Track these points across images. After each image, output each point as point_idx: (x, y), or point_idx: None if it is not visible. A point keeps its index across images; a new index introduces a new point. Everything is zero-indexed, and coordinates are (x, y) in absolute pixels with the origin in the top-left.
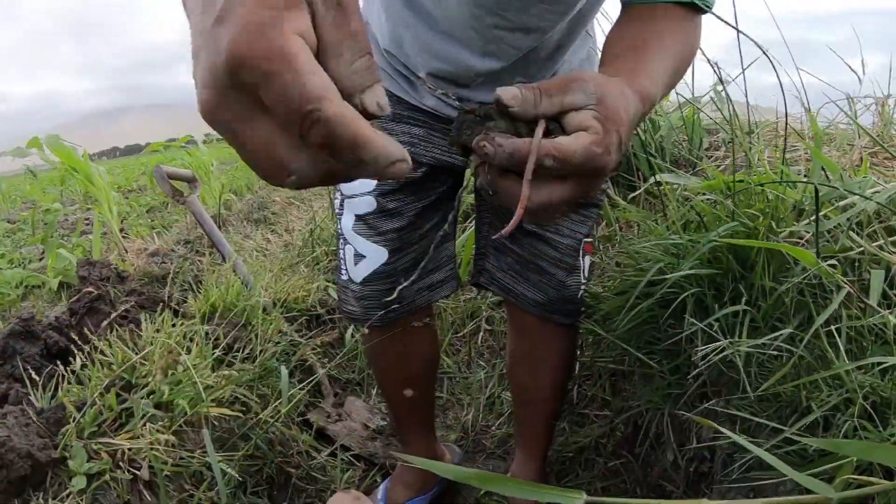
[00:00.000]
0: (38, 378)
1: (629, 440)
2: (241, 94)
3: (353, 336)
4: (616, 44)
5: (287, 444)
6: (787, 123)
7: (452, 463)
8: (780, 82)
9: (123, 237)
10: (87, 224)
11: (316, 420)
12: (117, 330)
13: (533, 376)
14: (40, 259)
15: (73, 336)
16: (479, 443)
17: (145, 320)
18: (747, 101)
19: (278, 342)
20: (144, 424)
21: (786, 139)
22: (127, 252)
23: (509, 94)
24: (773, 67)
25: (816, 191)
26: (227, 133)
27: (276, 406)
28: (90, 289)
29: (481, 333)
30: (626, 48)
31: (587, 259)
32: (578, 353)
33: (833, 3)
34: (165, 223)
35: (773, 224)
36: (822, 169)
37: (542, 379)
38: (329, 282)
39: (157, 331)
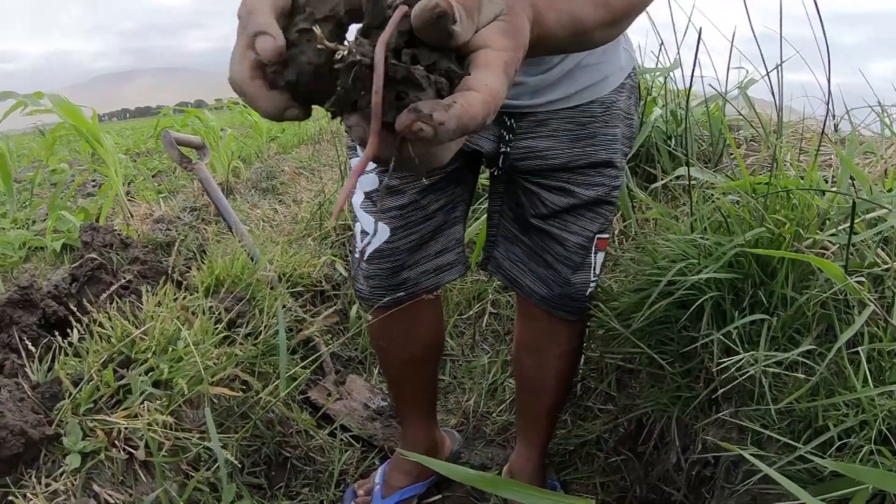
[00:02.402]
0: (34, 349)
1: (632, 437)
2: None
3: (357, 315)
4: None
5: (286, 423)
6: (823, 130)
7: (452, 449)
8: (819, 83)
9: (129, 200)
10: (94, 185)
11: (316, 399)
12: (117, 302)
13: (537, 366)
14: (44, 220)
15: (73, 307)
16: (479, 429)
17: (146, 292)
18: (774, 100)
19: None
20: (142, 403)
21: (819, 144)
22: (132, 216)
23: (456, 6)
24: (832, 68)
25: (854, 206)
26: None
27: (276, 386)
28: (93, 255)
29: (486, 316)
30: None
31: (600, 255)
32: (586, 346)
33: (857, 3)
34: (172, 188)
35: (801, 231)
36: (850, 178)
37: (547, 369)
38: (335, 256)
39: (159, 304)
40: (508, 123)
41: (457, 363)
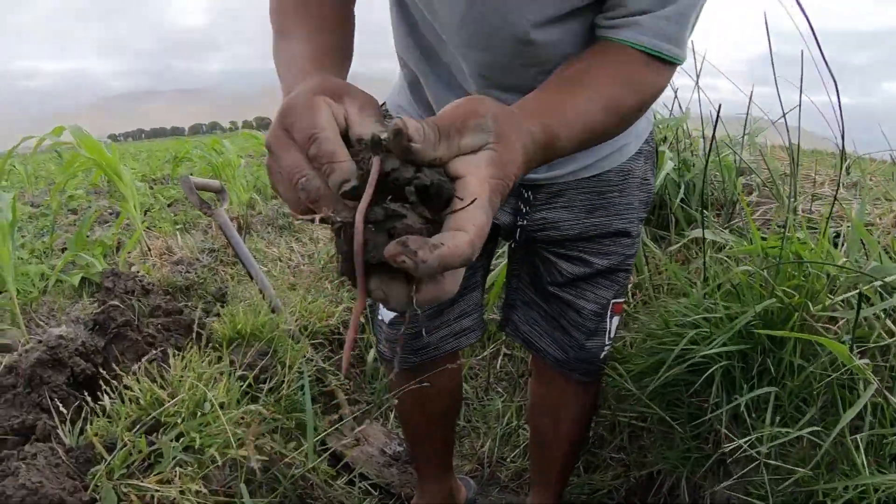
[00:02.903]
0: (65, 411)
1: (643, 488)
2: (284, 131)
3: (375, 359)
4: (560, 71)
5: (307, 476)
6: (834, 199)
7: (467, 496)
8: (822, 99)
9: (146, 230)
10: (110, 213)
11: (335, 446)
12: (145, 365)
13: (552, 423)
14: (63, 248)
15: (100, 364)
16: (493, 475)
17: (173, 356)
18: (789, 146)
19: (302, 372)
20: (174, 468)
21: (831, 210)
22: (150, 250)
23: (414, 125)
24: (842, 88)
25: (860, 297)
26: (271, 156)
27: (303, 451)
28: (115, 302)
29: (500, 358)
30: (561, 79)
31: (615, 319)
32: (599, 404)
33: (868, 21)
34: (188, 218)
35: (809, 304)
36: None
37: (561, 427)
38: (354, 299)
39: (185, 367)
40: (525, 196)
41: (471, 407)
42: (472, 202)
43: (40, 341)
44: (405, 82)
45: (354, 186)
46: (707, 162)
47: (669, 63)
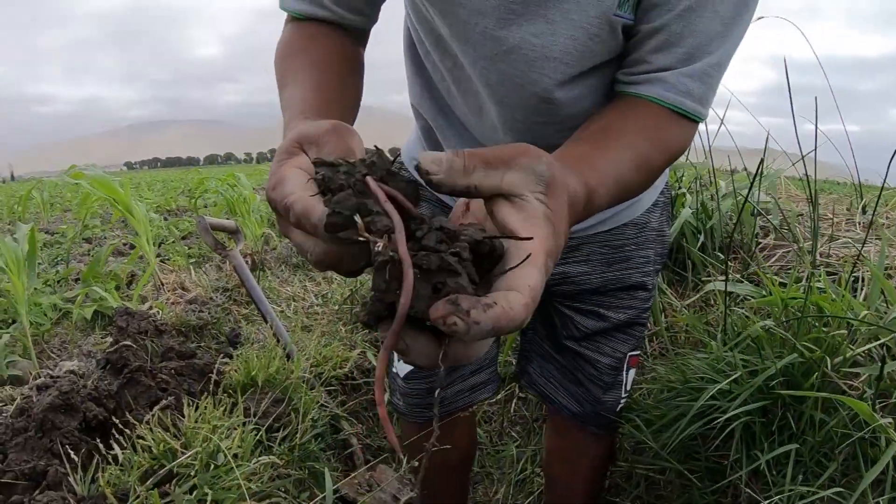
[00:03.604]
0: (76, 458)
1: None
2: (279, 215)
3: (389, 402)
4: (585, 127)
5: None
6: (859, 254)
7: None
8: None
9: (160, 262)
10: (124, 244)
11: (348, 493)
12: (158, 415)
13: (567, 473)
14: (76, 279)
15: (113, 416)
16: None
17: (187, 405)
18: (808, 173)
19: (316, 420)
20: None
21: (853, 269)
22: (163, 285)
23: (429, 157)
24: (852, 115)
25: (885, 355)
26: (293, 244)
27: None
28: (128, 342)
29: (515, 401)
30: (590, 134)
31: (631, 372)
32: (616, 455)
33: (875, 47)
34: (202, 252)
35: (829, 360)
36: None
37: (576, 477)
38: (366, 343)
39: (199, 417)
40: None
41: (485, 452)
42: (527, 258)
43: (51, 375)
44: (420, 132)
45: (335, 217)
46: (719, 214)
47: (692, 121)
